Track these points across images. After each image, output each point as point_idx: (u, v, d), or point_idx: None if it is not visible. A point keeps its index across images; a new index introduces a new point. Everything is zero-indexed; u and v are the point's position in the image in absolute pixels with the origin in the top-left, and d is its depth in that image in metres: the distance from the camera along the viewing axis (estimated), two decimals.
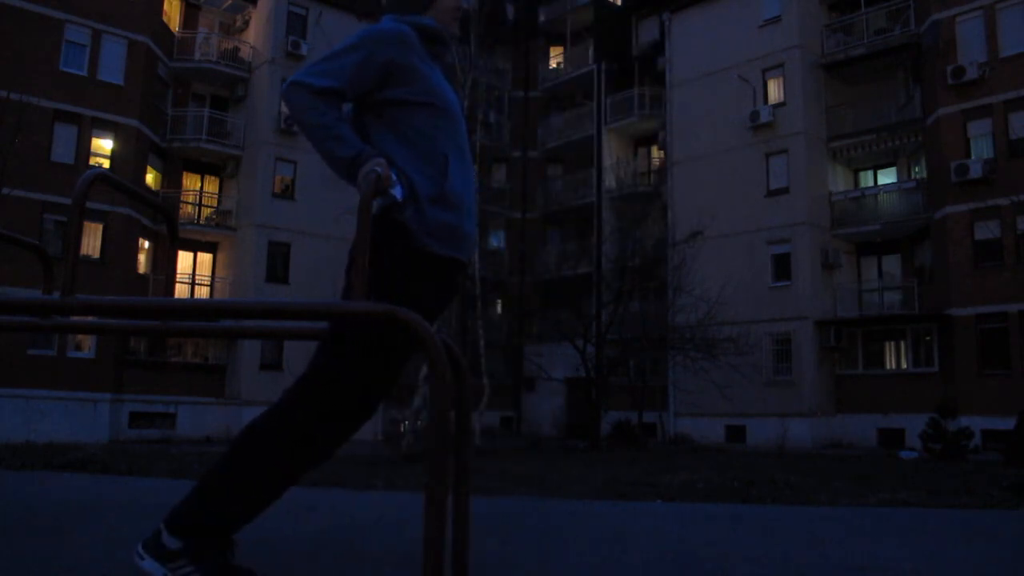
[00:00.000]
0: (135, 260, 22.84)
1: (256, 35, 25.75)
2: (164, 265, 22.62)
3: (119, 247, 21.67)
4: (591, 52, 30.03)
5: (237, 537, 2.06)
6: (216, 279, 24.88)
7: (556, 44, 32.31)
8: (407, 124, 2.10)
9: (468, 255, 2.20)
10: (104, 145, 22.14)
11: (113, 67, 22.25)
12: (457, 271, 2.16)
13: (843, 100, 24.23)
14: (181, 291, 24.06)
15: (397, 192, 2.02)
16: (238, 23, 26.55)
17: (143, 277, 23.09)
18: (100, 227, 21.29)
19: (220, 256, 25.13)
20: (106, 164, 21.71)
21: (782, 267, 23.15)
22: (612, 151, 28.93)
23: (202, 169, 25.47)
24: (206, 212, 25.28)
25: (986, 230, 20.11)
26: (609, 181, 28.32)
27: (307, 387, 2.00)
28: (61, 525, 3.48)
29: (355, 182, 1.94)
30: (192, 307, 2.04)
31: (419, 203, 2.04)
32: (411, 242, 2.03)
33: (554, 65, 32.47)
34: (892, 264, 23.49)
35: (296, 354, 21.77)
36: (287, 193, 24.90)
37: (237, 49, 25.84)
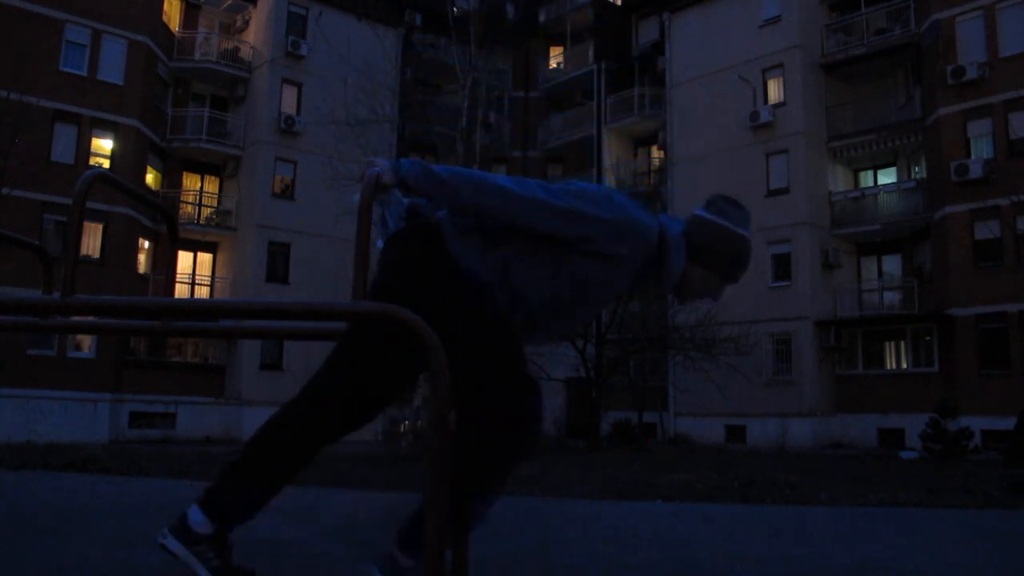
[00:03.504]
0: (135, 260, 22.82)
1: (256, 35, 25.74)
2: (164, 265, 22.58)
3: (119, 247, 21.66)
4: (591, 52, 29.99)
5: (236, 538, 2.06)
6: (216, 279, 24.87)
7: (556, 44, 32.26)
8: (557, 261, 2.00)
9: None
10: (104, 145, 22.12)
11: (113, 67, 22.23)
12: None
13: (843, 100, 24.22)
14: (181, 291, 24.05)
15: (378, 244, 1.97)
16: (238, 23, 26.54)
17: (143, 277, 23.07)
18: (100, 227, 21.27)
19: (220, 256, 25.12)
20: (106, 164, 21.69)
21: (782, 267, 23.13)
22: (612, 151, 28.91)
23: (202, 169, 25.46)
24: (206, 212, 25.26)
25: (986, 230, 20.10)
26: (609, 181, 28.28)
27: (312, 383, 2.02)
28: (61, 525, 3.48)
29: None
30: (192, 307, 2.04)
31: (509, 291, 2.00)
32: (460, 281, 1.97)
33: (554, 65, 32.43)
34: (892, 264, 23.48)
35: (296, 354, 21.75)
36: (287, 193, 24.89)
37: (237, 49, 25.83)
